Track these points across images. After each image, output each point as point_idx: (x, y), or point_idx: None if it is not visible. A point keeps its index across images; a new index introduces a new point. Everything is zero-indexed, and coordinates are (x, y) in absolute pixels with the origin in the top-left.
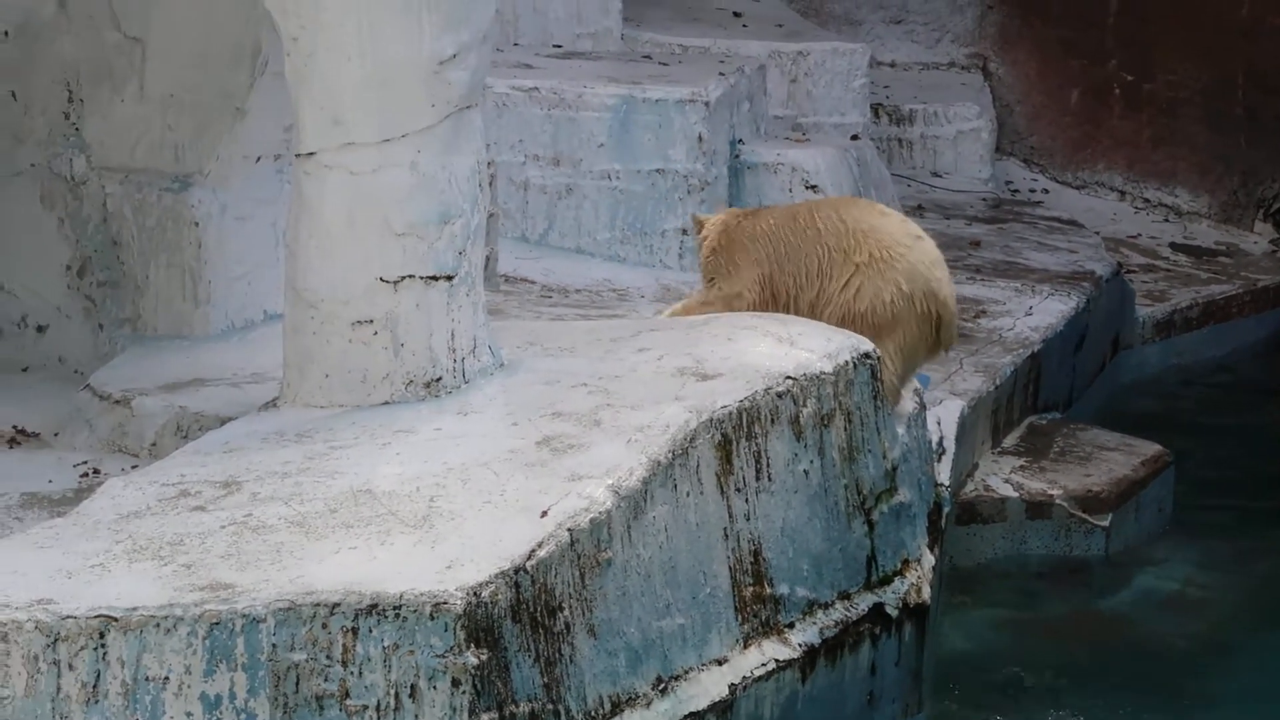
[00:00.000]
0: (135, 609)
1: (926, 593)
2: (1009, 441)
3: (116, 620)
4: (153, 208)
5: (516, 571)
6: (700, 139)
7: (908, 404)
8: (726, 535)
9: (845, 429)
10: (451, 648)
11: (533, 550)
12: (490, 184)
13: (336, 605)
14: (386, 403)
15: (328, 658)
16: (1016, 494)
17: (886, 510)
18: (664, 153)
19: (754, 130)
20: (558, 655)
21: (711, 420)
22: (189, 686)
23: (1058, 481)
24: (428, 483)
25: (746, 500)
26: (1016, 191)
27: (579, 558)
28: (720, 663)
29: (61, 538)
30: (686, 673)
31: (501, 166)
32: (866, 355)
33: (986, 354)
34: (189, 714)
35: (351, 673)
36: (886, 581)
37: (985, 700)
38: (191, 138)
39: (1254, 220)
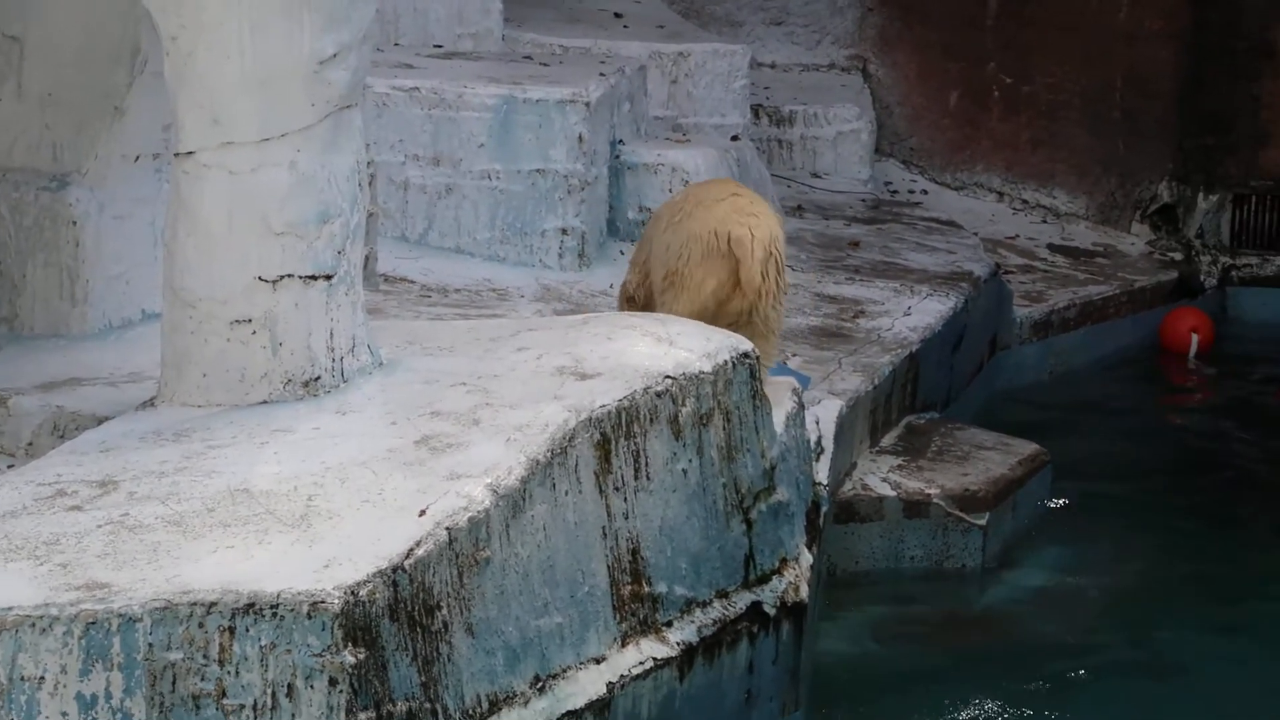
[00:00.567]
0: (10, 609)
1: (804, 591)
2: (887, 441)
3: None
4: (30, 207)
5: (394, 570)
6: (581, 139)
7: (785, 401)
8: (605, 534)
9: (724, 428)
10: (329, 647)
11: (411, 549)
12: (370, 183)
13: (213, 604)
14: (265, 402)
15: (204, 657)
16: (894, 493)
17: (765, 509)
18: (544, 153)
19: (634, 131)
20: (436, 654)
21: (590, 419)
22: (65, 686)
23: (935, 481)
24: (306, 482)
25: (625, 499)
26: (896, 192)
27: (457, 557)
28: (598, 661)
29: None
30: (564, 671)
31: (381, 166)
32: (745, 355)
33: (865, 354)
34: (64, 714)
35: (228, 672)
36: (764, 580)
37: (863, 698)
38: (70, 137)
39: (1131, 222)
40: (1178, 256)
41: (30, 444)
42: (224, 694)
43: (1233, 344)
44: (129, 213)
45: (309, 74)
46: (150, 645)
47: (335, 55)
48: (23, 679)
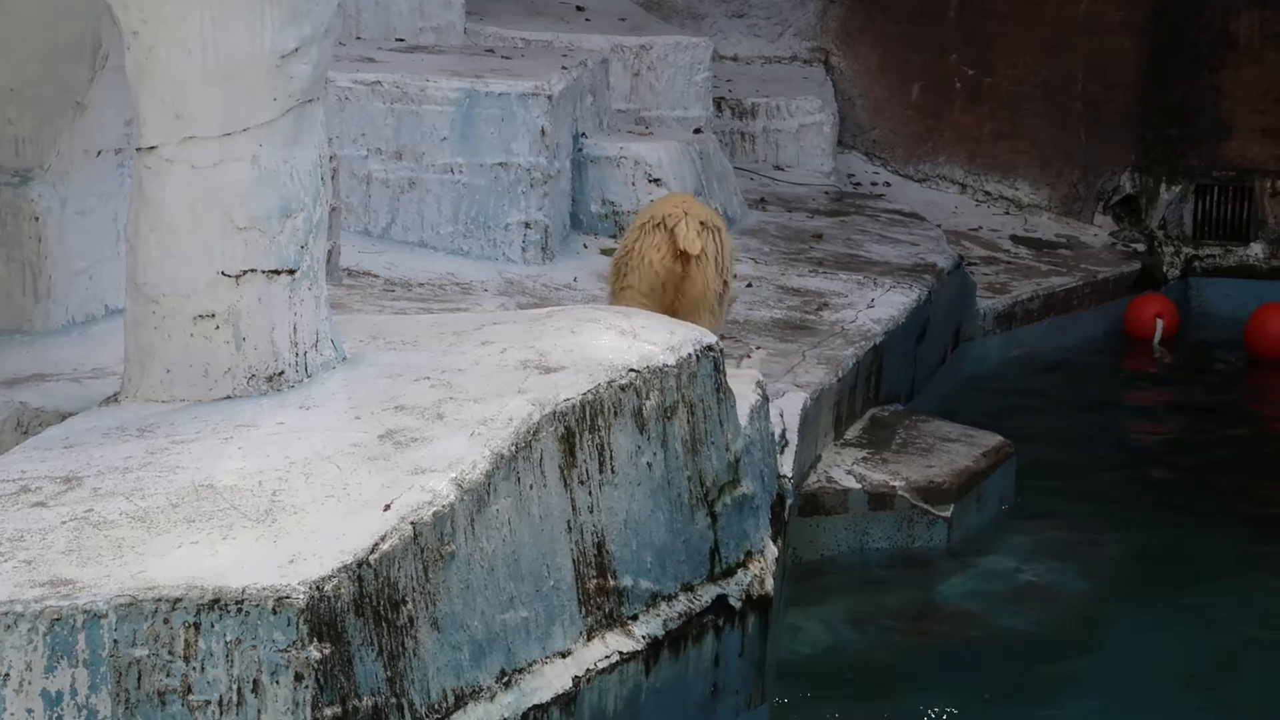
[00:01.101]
0: None
1: (770, 584)
2: (851, 433)
3: None
4: None
5: (359, 565)
6: (543, 132)
7: (749, 394)
8: (570, 528)
9: (688, 421)
10: (294, 642)
11: (376, 544)
12: (332, 178)
13: (178, 600)
14: (228, 397)
15: (170, 653)
16: (859, 485)
17: (730, 502)
18: (507, 146)
19: (597, 124)
20: (401, 649)
21: (555, 413)
22: (30, 683)
23: (900, 473)
24: (270, 477)
25: (590, 493)
26: (858, 185)
27: (422, 551)
28: (564, 655)
29: None
30: (530, 665)
31: (344, 160)
32: (709, 348)
33: (829, 346)
34: (30, 710)
35: (194, 668)
36: (730, 573)
37: (828, 691)
38: (32, 132)
39: (1094, 213)
40: (1140, 247)
41: None
42: (190, 690)
43: (1196, 334)
44: (92, 208)
45: (271, 68)
46: (115, 641)
47: (297, 49)
48: None
